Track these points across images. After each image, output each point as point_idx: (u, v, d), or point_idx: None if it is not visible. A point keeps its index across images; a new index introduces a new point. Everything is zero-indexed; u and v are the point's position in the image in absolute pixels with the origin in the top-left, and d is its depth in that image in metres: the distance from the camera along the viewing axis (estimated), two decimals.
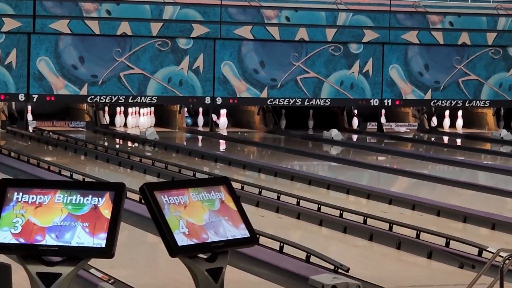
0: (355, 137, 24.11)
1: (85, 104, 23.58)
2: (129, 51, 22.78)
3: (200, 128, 24.40)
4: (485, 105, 25.27)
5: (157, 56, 22.94)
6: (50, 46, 22.34)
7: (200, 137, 23.61)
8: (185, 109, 24.45)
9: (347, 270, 9.43)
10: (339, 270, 9.45)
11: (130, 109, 24.09)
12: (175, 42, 23.03)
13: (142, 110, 24.17)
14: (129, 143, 21.50)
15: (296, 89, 23.88)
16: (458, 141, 23.97)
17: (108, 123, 24.03)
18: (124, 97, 22.96)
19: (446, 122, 25.63)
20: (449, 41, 24.58)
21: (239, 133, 23.97)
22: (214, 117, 24.26)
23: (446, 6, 23.26)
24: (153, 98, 23.18)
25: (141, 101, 23.24)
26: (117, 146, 20.92)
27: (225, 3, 22.99)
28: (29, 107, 23.32)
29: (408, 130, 25.17)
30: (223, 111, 24.44)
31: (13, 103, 23.30)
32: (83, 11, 22.42)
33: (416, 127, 25.36)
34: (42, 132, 22.62)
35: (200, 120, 24.42)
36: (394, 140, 23.51)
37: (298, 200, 13.45)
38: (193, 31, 23.06)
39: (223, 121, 24.44)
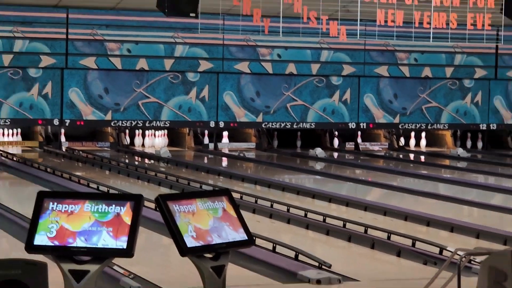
0: (335, 154, 24.10)
1: (109, 127, 23.55)
2: (146, 83, 22.80)
3: (209, 146, 24.37)
4: (445, 128, 25.30)
5: (169, 87, 22.96)
6: (80, 79, 22.36)
7: (205, 155, 23.56)
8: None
9: (330, 267, 9.41)
10: (323, 267, 9.44)
11: (147, 132, 24.08)
12: (184, 75, 23.04)
13: (157, 133, 24.16)
14: (146, 160, 21.48)
15: (286, 115, 23.89)
16: (422, 158, 23.98)
17: (128, 143, 24.01)
18: (142, 121, 22.97)
19: (412, 142, 25.67)
20: (414, 74, 24.63)
21: (238, 151, 23.95)
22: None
23: (411, 45, 23.25)
24: (166, 123, 23.20)
25: (156, 125, 23.26)
26: (136, 162, 20.91)
27: (226, 43, 23.01)
28: (62, 130, 23.32)
29: (380, 149, 25.18)
30: (225, 133, 24.46)
31: (49, 127, 23.28)
32: (107, 50, 22.45)
33: (387, 146, 25.38)
34: (73, 151, 22.61)
35: (206, 140, 24.40)
36: (368, 157, 23.53)
37: (288, 207, 13.43)
38: (199, 66, 23.08)
39: (225, 140, 24.48)
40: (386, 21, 16.98)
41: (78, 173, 17.79)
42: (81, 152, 22.42)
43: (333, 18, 17.64)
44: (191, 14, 15.12)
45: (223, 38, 22.82)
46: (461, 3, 16.64)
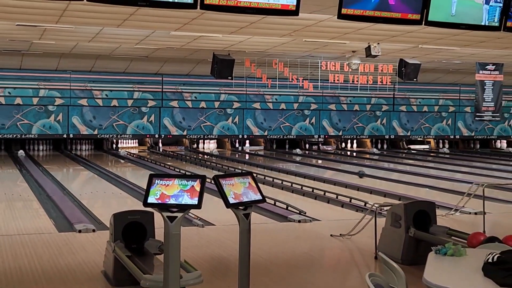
0: (307, 152, 24.10)
1: (184, 138, 23.59)
2: (205, 114, 22.85)
3: (239, 148, 24.41)
4: (366, 137, 25.28)
5: (217, 117, 22.99)
6: (169, 113, 22.41)
7: (237, 153, 23.61)
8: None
9: (305, 213, 9.42)
10: (301, 213, 9.45)
11: (205, 141, 24.11)
12: (226, 110, 23.07)
13: (211, 141, 24.19)
14: (205, 156, 21.54)
15: (280, 131, 23.89)
16: (354, 154, 23.96)
17: (195, 147, 24.05)
18: (202, 135, 23.01)
19: (348, 145, 25.65)
20: (349, 108, 24.61)
21: (254, 151, 23.98)
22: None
23: (348, 93, 23.29)
24: (215, 136, 23.24)
25: (210, 137, 23.29)
26: (200, 157, 20.98)
27: (248, 92, 23.04)
28: (160, 140, 23.38)
29: (332, 149, 25.16)
30: (247, 141, 24.50)
31: (152, 138, 23.34)
32: (184, 97, 22.51)
33: (336, 147, 25.36)
34: (166, 151, 22.67)
35: (237, 145, 24.47)
36: (325, 153, 23.53)
37: (282, 181, 13.46)
38: (233, 105, 23.10)
39: (247, 145, 24.54)
40: (334, 80, 16.97)
41: (168, 163, 17.87)
42: (170, 152, 22.51)
43: (305, 78, 17.65)
44: (229, 77, 15.08)
45: (246, 90, 22.85)
46: (374, 70, 16.61)
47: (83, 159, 19.36)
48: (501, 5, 5.84)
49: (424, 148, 26.03)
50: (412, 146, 25.99)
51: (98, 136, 21.84)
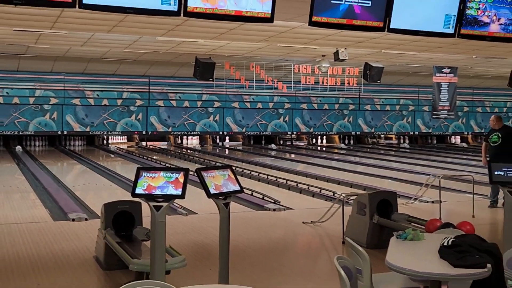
0: (281, 147, 24.11)
1: (169, 135, 23.45)
2: (189, 113, 22.73)
3: (220, 144, 24.34)
4: (334, 134, 25.35)
5: (200, 115, 22.90)
6: (156, 111, 22.25)
7: (217, 148, 23.55)
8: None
9: (279, 202, 9.43)
10: (276, 203, 9.46)
11: (189, 137, 23.99)
12: (207, 109, 22.98)
13: (194, 137, 24.06)
14: (189, 151, 21.43)
15: (257, 128, 23.86)
16: (324, 148, 24.02)
17: (179, 142, 23.92)
18: (186, 131, 22.89)
19: (319, 141, 25.70)
20: (320, 107, 24.68)
21: (233, 146, 23.93)
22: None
23: (318, 93, 23.37)
24: (198, 132, 23.12)
25: (193, 133, 23.17)
26: (184, 151, 20.87)
27: (228, 93, 22.97)
28: (147, 137, 23.25)
29: (303, 144, 25.21)
30: (227, 137, 24.43)
31: (139, 135, 23.20)
32: (168, 96, 22.37)
33: (307, 143, 25.42)
34: (153, 147, 22.52)
35: (217, 140, 24.38)
36: (297, 148, 23.57)
37: (259, 173, 13.46)
38: (214, 105, 23.03)
39: (227, 140, 24.48)
40: (305, 82, 16.98)
41: (155, 157, 17.77)
42: (156, 147, 22.35)
43: (280, 80, 17.65)
44: (210, 79, 15.01)
45: (226, 91, 22.79)
46: (342, 72, 16.66)
47: (76, 154, 19.18)
48: (456, 14, 5.91)
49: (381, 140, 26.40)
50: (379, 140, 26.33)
51: (90, 132, 21.64)
